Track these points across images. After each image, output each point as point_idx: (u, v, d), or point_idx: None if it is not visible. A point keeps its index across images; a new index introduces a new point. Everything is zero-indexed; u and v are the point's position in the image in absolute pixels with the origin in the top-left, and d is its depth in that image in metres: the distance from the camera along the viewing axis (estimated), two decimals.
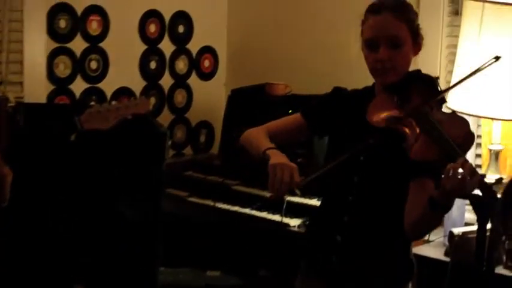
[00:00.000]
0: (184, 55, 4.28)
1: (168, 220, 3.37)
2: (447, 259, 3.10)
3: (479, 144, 3.46)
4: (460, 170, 1.98)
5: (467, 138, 2.14)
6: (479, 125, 3.45)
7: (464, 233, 3.05)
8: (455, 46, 3.33)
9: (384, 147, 2.24)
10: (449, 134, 2.09)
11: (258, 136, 2.46)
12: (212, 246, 3.64)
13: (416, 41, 2.33)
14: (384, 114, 2.22)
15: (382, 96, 2.28)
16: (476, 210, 2.83)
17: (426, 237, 3.39)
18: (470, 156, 3.52)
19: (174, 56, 4.24)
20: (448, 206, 2.09)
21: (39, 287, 3.10)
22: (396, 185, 2.25)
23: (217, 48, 4.41)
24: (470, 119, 3.46)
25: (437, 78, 2.31)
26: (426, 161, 2.11)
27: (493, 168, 3.17)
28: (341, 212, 2.33)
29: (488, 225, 2.66)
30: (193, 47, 4.31)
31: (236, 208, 3.60)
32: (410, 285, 2.39)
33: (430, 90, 2.25)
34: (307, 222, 2.60)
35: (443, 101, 2.29)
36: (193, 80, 4.34)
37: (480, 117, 3.23)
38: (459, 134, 2.11)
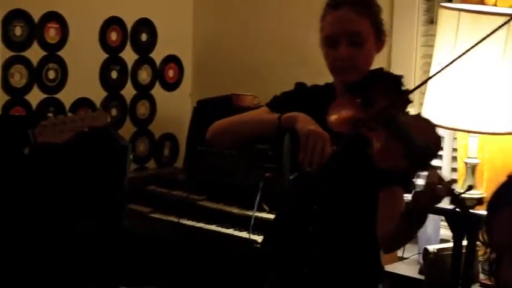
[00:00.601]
0: (147, 64, 4.22)
1: (130, 237, 3.35)
2: (422, 277, 3.04)
3: (455, 158, 3.41)
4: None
5: (436, 142, 2.04)
6: (455, 138, 3.40)
7: (439, 250, 3.01)
8: (430, 56, 3.30)
9: (349, 152, 2.14)
10: (417, 138, 1.98)
11: (253, 114, 2.36)
12: (177, 264, 3.60)
13: (379, 38, 2.23)
14: (346, 117, 2.12)
15: (344, 97, 2.18)
16: (451, 226, 2.75)
17: (400, 254, 3.33)
18: (445, 170, 3.46)
19: (137, 65, 4.17)
20: (423, 220, 2.05)
21: None
22: (363, 192, 2.20)
23: (182, 57, 4.34)
24: (446, 132, 3.42)
25: (402, 76, 2.20)
26: (395, 169, 2.03)
27: (469, 182, 3.11)
28: (306, 222, 2.28)
29: (464, 242, 2.57)
30: (157, 56, 4.25)
31: (201, 224, 3.54)
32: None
33: (395, 91, 2.15)
34: (265, 235, 2.58)
35: (409, 101, 2.17)
36: (157, 91, 4.27)
37: (456, 130, 3.19)
38: (428, 138, 2.01)
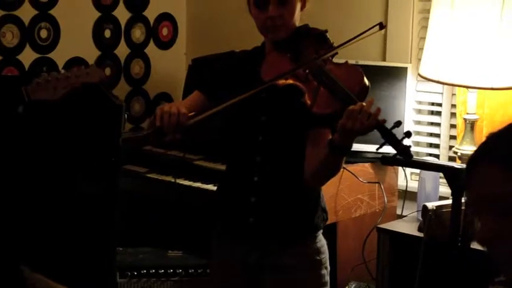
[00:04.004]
0: (140, 23, 4.17)
1: (126, 198, 3.32)
2: (421, 234, 3.03)
3: (453, 114, 3.36)
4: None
5: (363, 87, 2.26)
6: (453, 94, 3.35)
7: (438, 207, 2.99)
8: (428, 11, 3.22)
9: (283, 103, 2.35)
10: (345, 84, 2.24)
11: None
12: (173, 224, 3.58)
13: None
14: (278, 72, 2.31)
15: (274, 54, 2.38)
16: (450, 183, 2.73)
17: (399, 212, 3.30)
18: (444, 126, 3.42)
19: (130, 23, 4.13)
20: (347, 147, 2.22)
21: None
22: (299, 139, 2.36)
23: (176, 15, 4.29)
24: (445, 88, 3.38)
25: (326, 31, 2.38)
26: (328, 113, 2.25)
27: (468, 138, 3.09)
28: (250, 172, 2.42)
29: (464, 199, 2.55)
30: (151, 14, 4.20)
31: (198, 184, 3.50)
32: (321, 232, 2.48)
33: (321, 44, 2.36)
34: (217, 187, 2.69)
35: (334, 52, 2.36)
36: (151, 49, 4.23)
37: (455, 85, 3.14)
38: (355, 83, 2.25)
